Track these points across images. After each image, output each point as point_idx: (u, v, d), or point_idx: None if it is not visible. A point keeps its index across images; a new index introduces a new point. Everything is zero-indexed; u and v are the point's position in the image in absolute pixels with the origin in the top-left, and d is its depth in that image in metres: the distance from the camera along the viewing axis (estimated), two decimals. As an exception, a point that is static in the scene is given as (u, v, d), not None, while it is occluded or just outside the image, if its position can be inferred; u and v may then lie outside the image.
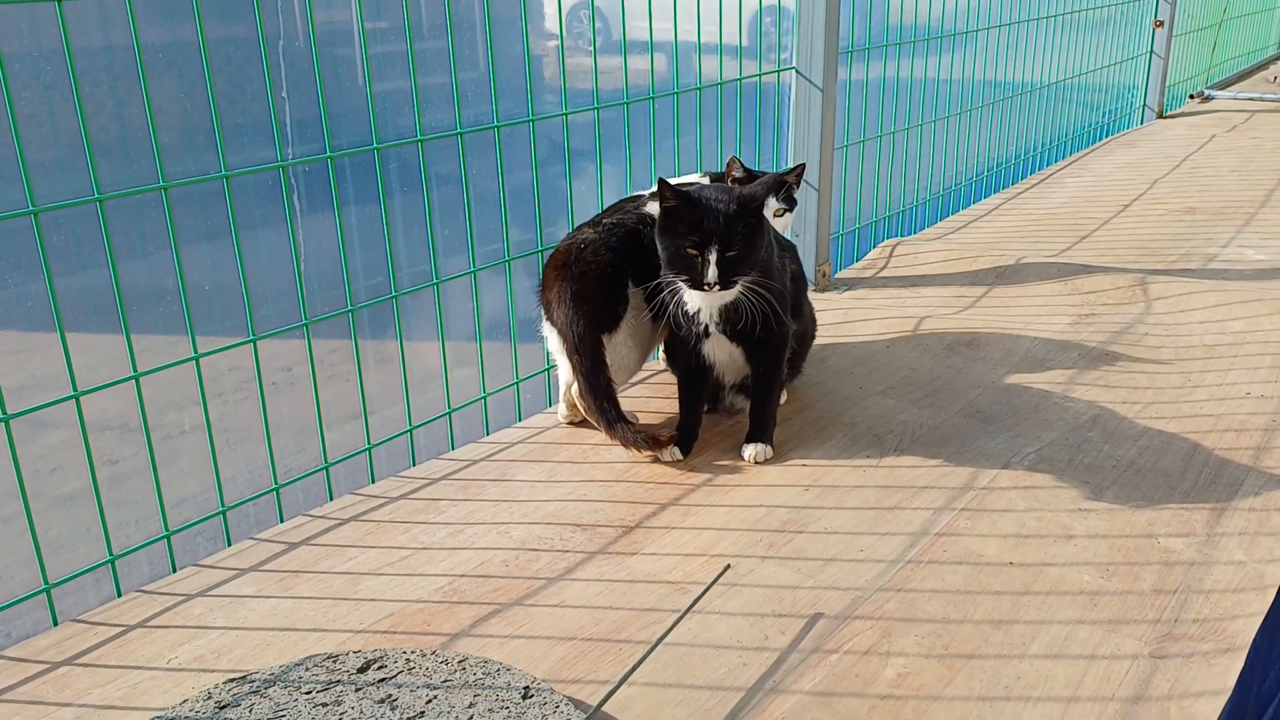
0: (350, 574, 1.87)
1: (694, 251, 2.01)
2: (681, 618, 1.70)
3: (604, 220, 2.30)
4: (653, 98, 2.82)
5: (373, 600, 1.79)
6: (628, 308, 2.24)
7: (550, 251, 2.31)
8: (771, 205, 2.59)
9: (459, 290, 2.45)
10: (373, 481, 2.24)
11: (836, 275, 3.56)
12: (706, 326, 2.16)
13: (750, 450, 2.24)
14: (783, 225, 2.64)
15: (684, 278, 2.03)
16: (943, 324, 3.00)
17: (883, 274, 3.56)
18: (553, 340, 2.27)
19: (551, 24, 3.30)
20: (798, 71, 3.25)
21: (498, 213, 2.52)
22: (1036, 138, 5.15)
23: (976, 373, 2.68)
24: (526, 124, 2.50)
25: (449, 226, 2.64)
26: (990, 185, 4.69)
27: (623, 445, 2.22)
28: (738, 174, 2.56)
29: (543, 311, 2.27)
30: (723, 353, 2.23)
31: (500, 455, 2.32)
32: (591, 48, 2.74)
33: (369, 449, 2.24)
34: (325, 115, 2.11)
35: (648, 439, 2.19)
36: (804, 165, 2.67)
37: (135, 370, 1.87)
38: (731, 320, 2.15)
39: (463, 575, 1.86)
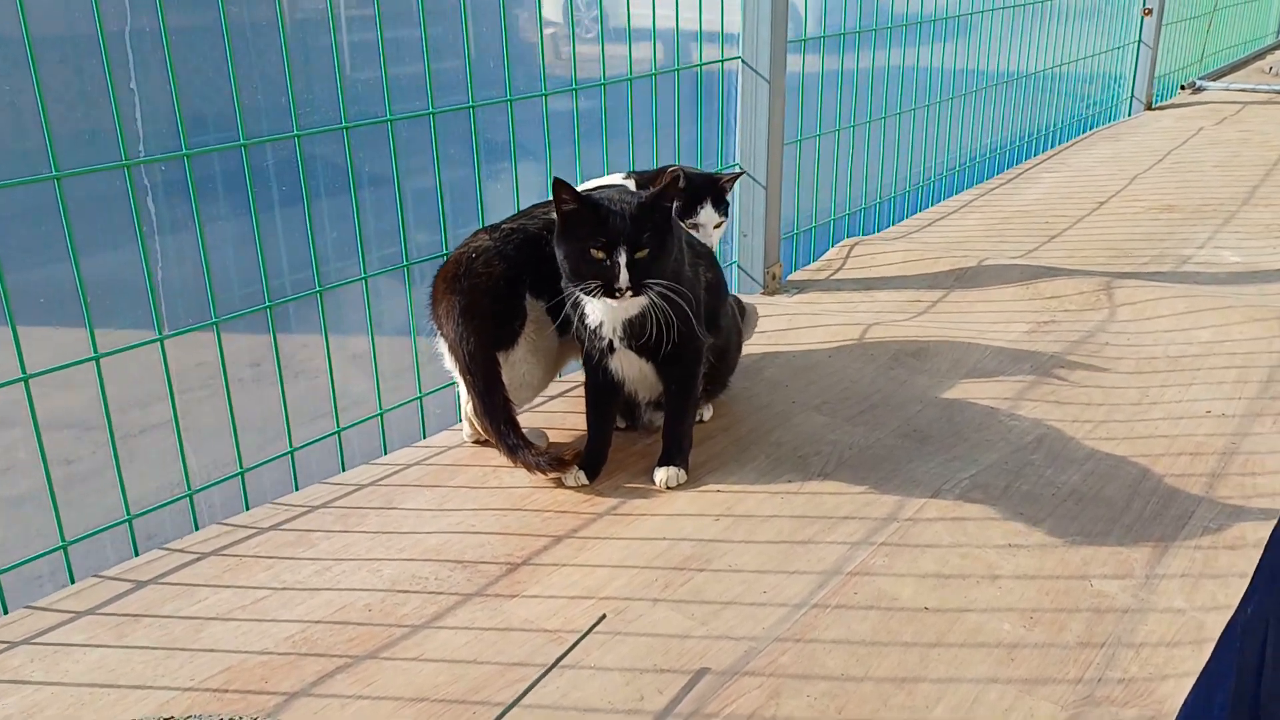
0: (195, 619, 1.69)
1: (601, 254, 1.83)
2: (542, 677, 1.52)
3: (504, 226, 2.11)
4: (575, 89, 2.62)
5: (212, 651, 1.61)
6: (525, 322, 2.05)
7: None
8: (711, 218, 2.40)
9: (366, 294, 2.25)
10: (247, 508, 2.06)
11: (788, 277, 3.38)
12: (610, 341, 1.98)
13: (661, 475, 2.06)
14: (719, 235, 2.46)
15: (591, 285, 1.85)
16: (891, 331, 2.81)
17: (837, 275, 3.37)
18: (447, 358, 2.09)
19: (548, 10, 3.08)
20: (743, 61, 3.05)
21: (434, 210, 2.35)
22: (1015, 131, 4.94)
23: (920, 386, 2.49)
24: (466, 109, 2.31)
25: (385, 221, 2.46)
26: (962, 180, 4.50)
27: (525, 469, 2.03)
28: (679, 183, 2.37)
29: (434, 327, 2.08)
30: (632, 368, 2.04)
31: (391, 479, 2.14)
32: (570, 36, 2.58)
33: (241, 473, 2.06)
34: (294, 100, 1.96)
35: (551, 461, 2.01)
36: (741, 172, 2.48)
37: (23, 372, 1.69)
38: (636, 334, 1.96)
39: (319, 621, 1.68)
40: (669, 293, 1.90)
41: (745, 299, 3.02)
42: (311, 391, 2.32)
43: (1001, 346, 2.69)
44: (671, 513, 1.98)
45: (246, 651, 1.61)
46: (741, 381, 2.54)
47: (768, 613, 1.68)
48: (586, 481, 2.07)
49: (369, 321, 2.23)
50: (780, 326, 2.90)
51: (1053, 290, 3.08)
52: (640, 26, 2.83)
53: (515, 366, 2.06)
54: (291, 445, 2.13)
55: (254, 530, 1.95)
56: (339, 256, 2.51)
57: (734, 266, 3.26)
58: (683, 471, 2.07)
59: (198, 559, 1.86)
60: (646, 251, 1.85)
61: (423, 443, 2.31)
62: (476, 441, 2.25)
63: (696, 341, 2.03)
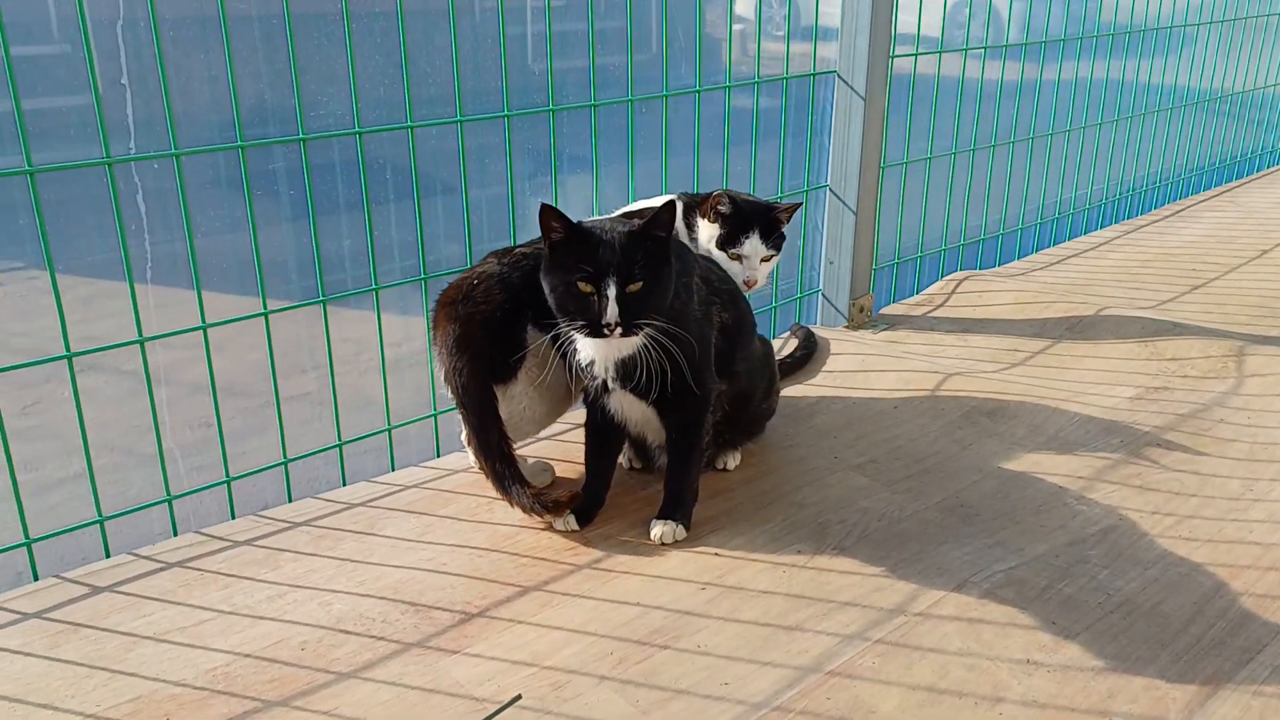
0: (130, 636, 1.63)
1: (588, 287, 1.67)
2: (433, 760, 1.37)
3: (518, 250, 1.97)
4: (631, 100, 2.46)
5: (131, 676, 1.55)
6: (526, 356, 1.90)
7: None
8: (757, 249, 2.20)
9: (376, 304, 2.16)
10: (233, 517, 2.01)
11: (881, 310, 3.11)
12: (604, 381, 1.81)
13: (657, 529, 1.88)
14: (768, 270, 2.25)
15: (578, 323, 1.69)
16: (972, 384, 2.52)
17: (935, 313, 3.08)
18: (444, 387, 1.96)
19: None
20: (838, 75, 2.81)
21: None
22: (1184, 161, 4.45)
23: (984, 452, 2.21)
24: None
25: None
26: (1111, 214, 4.07)
27: (520, 510, 1.89)
28: (724, 209, 2.19)
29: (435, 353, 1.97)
30: (633, 408, 1.87)
31: (383, 500, 2.04)
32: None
33: (227, 481, 2.00)
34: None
35: (544, 504, 1.86)
36: (799, 204, 2.26)
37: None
38: (630, 375, 1.79)
39: (248, 655, 1.59)
40: (665, 334, 1.72)
41: (822, 333, 2.80)
42: (354, 392, 2.25)
43: (1094, 414, 2.37)
44: (656, 574, 1.80)
45: (163, 681, 1.54)
46: (786, 426, 2.32)
47: (720, 710, 1.48)
48: (576, 527, 1.92)
49: (379, 332, 2.13)
50: (850, 367, 2.65)
51: (1174, 350, 2.70)
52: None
53: (514, 400, 1.92)
54: (285, 455, 2.06)
55: (227, 544, 1.89)
56: (387, 259, 2.40)
57: (818, 295, 3.03)
58: (681, 528, 1.89)
59: (161, 569, 1.81)
60: (640, 285, 1.68)
61: (432, 463, 2.20)
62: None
63: (704, 389, 1.84)
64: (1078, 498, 2.02)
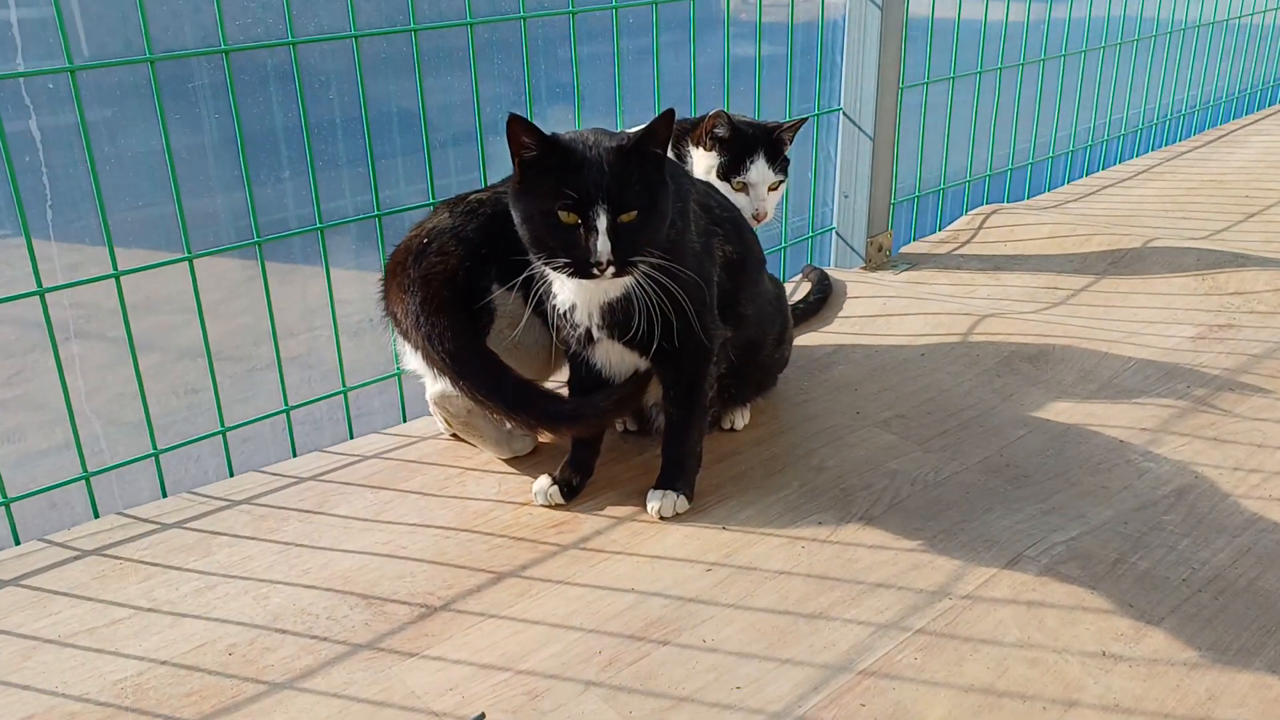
0: (31, 640, 1.37)
1: (572, 217, 1.37)
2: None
3: (472, 197, 1.68)
4: (615, 6, 2.14)
5: (25, 689, 1.29)
6: (495, 319, 1.62)
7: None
8: (764, 175, 1.90)
9: (323, 244, 1.86)
10: (164, 495, 1.74)
11: (901, 249, 2.81)
12: (587, 329, 1.53)
13: (655, 501, 1.61)
14: (777, 200, 1.96)
15: (559, 261, 1.40)
16: (1011, 326, 2.23)
17: (961, 250, 2.78)
18: (411, 359, 1.68)
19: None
20: (852, -18, 2.50)
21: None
22: (1226, 83, 4.11)
23: (1030, 403, 1.93)
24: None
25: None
26: (1147, 142, 3.75)
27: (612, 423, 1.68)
28: (720, 131, 1.89)
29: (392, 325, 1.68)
30: (622, 362, 1.59)
31: (337, 473, 1.77)
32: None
33: (155, 454, 1.73)
34: None
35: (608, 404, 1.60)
36: (806, 119, 1.96)
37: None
38: (620, 322, 1.51)
39: (165, 662, 1.33)
40: (663, 272, 1.43)
41: (835, 274, 2.51)
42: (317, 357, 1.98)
43: (1152, 356, 2.08)
44: (654, 553, 1.52)
45: (62, 695, 1.28)
46: (801, 379, 2.04)
47: (731, 722, 1.21)
48: (561, 500, 1.65)
49: (328, 281, 1.85)
50: (870, 311, 2.36)
51: (1237, 284, 2.40)
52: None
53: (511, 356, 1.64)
54: (223, 424, 1.79)
55: (153, 527, 1.62)
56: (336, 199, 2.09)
57: (831, 234, 2.73)
58: (682, 499, 1.61)
59: (74, 558, 1.55)
60: (634, 214, 1.39)
61: (396, 429, 1.93)
62: (455, 436, 1.85)
63: (703, 337, 1.55)
64: (1143, 453, 1.74)
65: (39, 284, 1.57)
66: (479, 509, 1.65)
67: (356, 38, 1.84)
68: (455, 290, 1.59)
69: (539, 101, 2.17)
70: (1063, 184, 3.37)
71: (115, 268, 1.63)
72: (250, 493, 1.71)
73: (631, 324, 1.49)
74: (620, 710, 1.23)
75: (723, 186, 1.90)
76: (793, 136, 1.94)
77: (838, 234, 2.72)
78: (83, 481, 1.67)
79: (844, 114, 2.60)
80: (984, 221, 2.93)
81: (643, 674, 1.29)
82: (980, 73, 2.94)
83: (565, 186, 1.36)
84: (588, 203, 1.36)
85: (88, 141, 1.58)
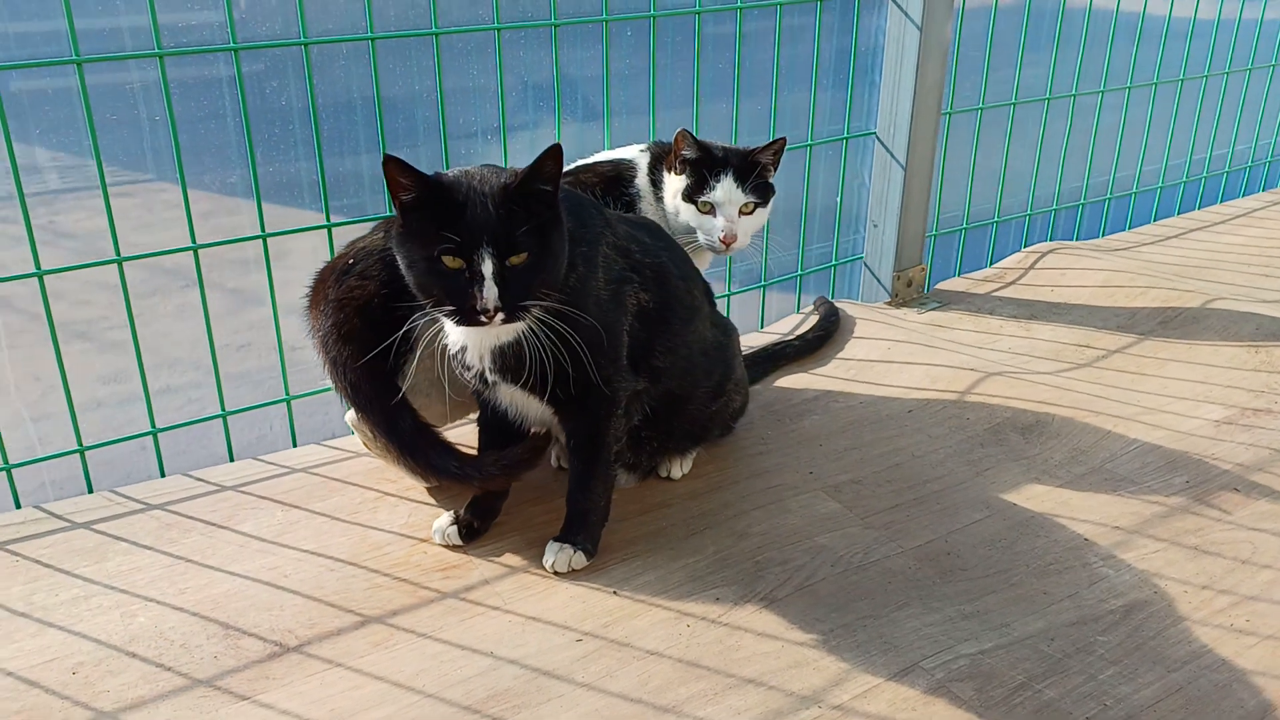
0: (-105, 637, 1.40)
1: (457, 262, 1.30)
2: None
3: None
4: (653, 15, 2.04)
5: None
6: (415, 346, 1.56)
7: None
8: (731, 195, 1.78)
9: (266, 254, 1.84)
10: (90, 491, 1.76)
11: (938, 285, 2.63)
12: (481, 373, 1.46)
13: (551, 556, 1.54)
14: (753, 225, 1.83)
15: (447, 308, 1.33)
16: (1014, 388, 2.05)
17: (1003, 291, 2.58)
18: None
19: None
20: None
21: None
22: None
23: (1003, 481, 1.76)
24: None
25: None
26: (1253, 182, 3.40)
27: (462, 484, 1.56)
28: (687, 153, 1.78)
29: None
30: (529, 405, 1.52)
31: (258, 484, 1.76)
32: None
33: (80, 450, 1.75)
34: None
35: (498, 466, 1.52)
36: (783, 140, 1.82)
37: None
38: (515, 370, 1.43)
39: (11, 674, 1.33)
40: (559, 317, 1.35)
41: (855, 310, 2.36)
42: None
43: (1161, 440, 1.87)
44: (530, 614, 1.45)
45: (-99, 699, 1.30)
46: (767, 426, 1.93)
47: (528, 823, 1.13)
48: (459, 541, 1.59)
49: (270, 286, 1.83)
50: (871, 355, 2.21)
51: (1292, 361, 2.15)
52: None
53: (414, 397, 1.58)
54: (154, 425, 1.79)
55: (63, 525, 1.64)
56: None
57: (860, 264, 2.57)
58: (579, 554, 1.53)
59: (-26, 552, 1.58)
60: (524, 256, 1.31)
61: (338, 441, 1.91)
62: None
63: (606, 389, 1.46)
64: (1105, 557, 1.56)
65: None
66: (377, 540, 1.61)
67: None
68: (368, 318, 1.54)
69: (571, 108, 2.11)
70: (1146, 222, 3.09)
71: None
72: (170, 497, 1.72)
73: (528, 370, 1.41)
74: (422, 791, 1.17)
75: (687, 212, 1.79)
76: (775, 160, 1.81)
77: (866, 265, 2.56)
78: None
79: (877, 138, 2.44)
80: (1037, 261, 2.71)
81: (462, 752, 1.22)
82: (1049, 99, 2.71)
83: (447, 230, 1.29)
84: (472, 246, 1.29)
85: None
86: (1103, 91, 2.82)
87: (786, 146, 1.82)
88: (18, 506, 1.71)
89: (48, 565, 1.55)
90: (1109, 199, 3.01)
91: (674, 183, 1.80)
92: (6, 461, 1.69)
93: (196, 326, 1.79)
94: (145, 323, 1.85)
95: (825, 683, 1.32)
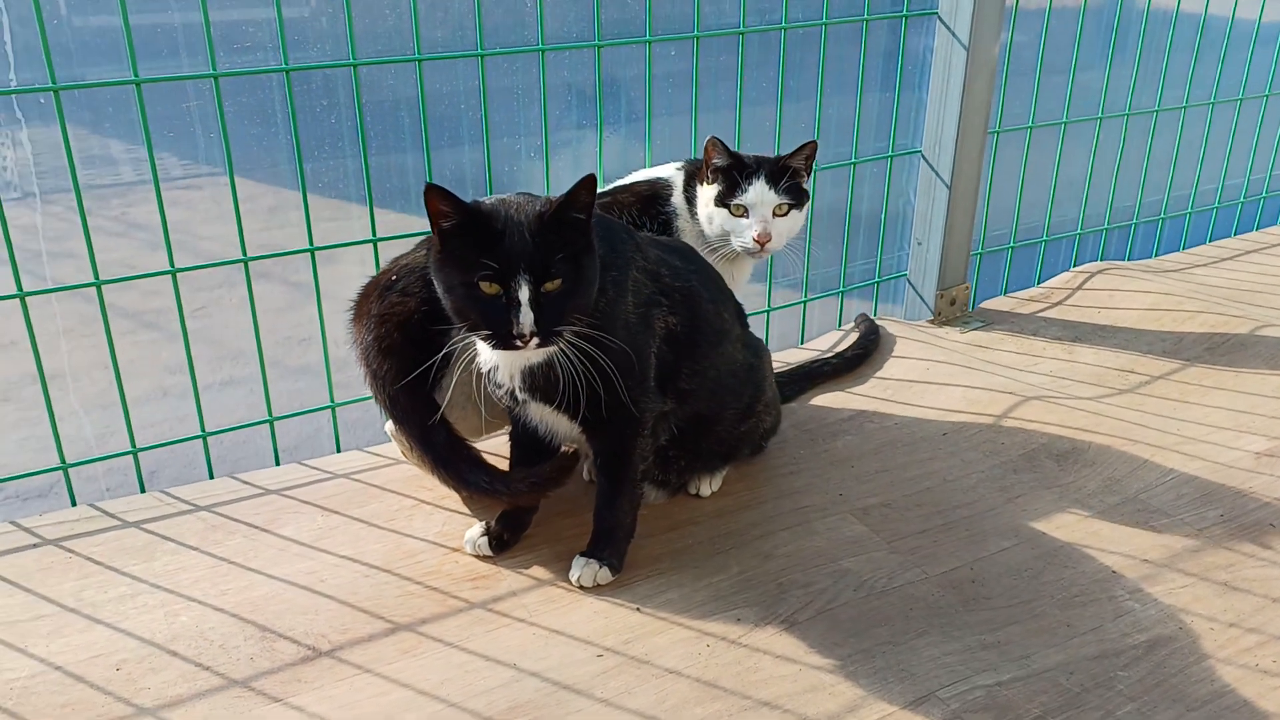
0: (-45, 627, 1.48)
1: (494, 288, 1.34)
2: None
3: None
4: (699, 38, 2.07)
5: (-74, 676, 1.39)
6: (453, 362, 1.61)
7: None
8: (764, 196, 1.79)
9: (314, 266, 1.89)
10: (142, 491, 1.84)
11: (983, 303, 2.62)
12: (512, 391, 1.50)
13: (577, 570, 1.57)
14: (787, 228, 1.84)
15: (484, 332, 1.37)
16: (1052, 413, 2.04)
17: (1048, 312, 2.56)
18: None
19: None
20: (939, 18, 2.32)
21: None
22: None
23: (1034, 509, 1.76)
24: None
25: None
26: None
27: (491, 499, 1.62)
28: (718, 160, 1.80)
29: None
30: (558, 423, 1.56)
31: (300, 490, 1.82)
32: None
33: (134, 451, 1.82)
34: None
35: (529, 482, 1.57)
36: (814, 144, 1.83)
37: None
38: (542, 386, 1.47)
39: (59, 668, 1.40)
40: (589, 341, 1.38)
41: (897, 328, 2.37)
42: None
43: (1199, 472, 1.85)
44: (555, 627, 1.49)
45: (-43, 687, 1.37)
46: (800, 446, 1.94)
47: (540, 835, 1.17)
48: (489, 553, 1.63)
49: (317, 297, 1.88)
50: (909, 375, 2.21)
51: (1342, 393, 2.10)
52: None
53: (451, 411, 1.63)
54: (204, 429, 1.86)
55: (115, 524, 1.72)
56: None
57: (904, 281, 2.57)
58: (605, 570, 1.56)
59: (34, 545, 1.66)
60: (558, 283, 1.34)
61: (380, 447, 1.96)
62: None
63: (632, 410, 1.49)
64: (1132, 590, 1.55)
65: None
66: (411, 548, 1.65)
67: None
68: (408, 334, 1.59)
69: (615, 117, 2.14)
70: (1202, 243, 3.03)
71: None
72: (216, 499, 1.78)
73: (557, 390, 1.44)
74: (440, 799, 1.21)
75: (721, 216, 1.81)
76: (807, 165, 1.82)
77: (909, 283, 2.56)
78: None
79: (923, 157, 2.43)
80: (1085, 281, 2.68)
81: (481, 762, 1.26)
82: (1100, 119, 2.68)
83: (485, 257, 1.33)
84: (509, 273, 1.32)
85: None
86: (1157, 111, 2.78)
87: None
88: (73, 504, 1.79)
89: (99, 563, 1.62)
90: (1163, 218, 2.97)
91: (707, 192, 1.83)
92: (64, 460, 1.76)
93: (262, 319, 1.84)
94: (210, 315, 1.93)
95: (840, 708, 1.34)
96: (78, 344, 1.86)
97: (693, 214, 1.85)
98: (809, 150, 1.81)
